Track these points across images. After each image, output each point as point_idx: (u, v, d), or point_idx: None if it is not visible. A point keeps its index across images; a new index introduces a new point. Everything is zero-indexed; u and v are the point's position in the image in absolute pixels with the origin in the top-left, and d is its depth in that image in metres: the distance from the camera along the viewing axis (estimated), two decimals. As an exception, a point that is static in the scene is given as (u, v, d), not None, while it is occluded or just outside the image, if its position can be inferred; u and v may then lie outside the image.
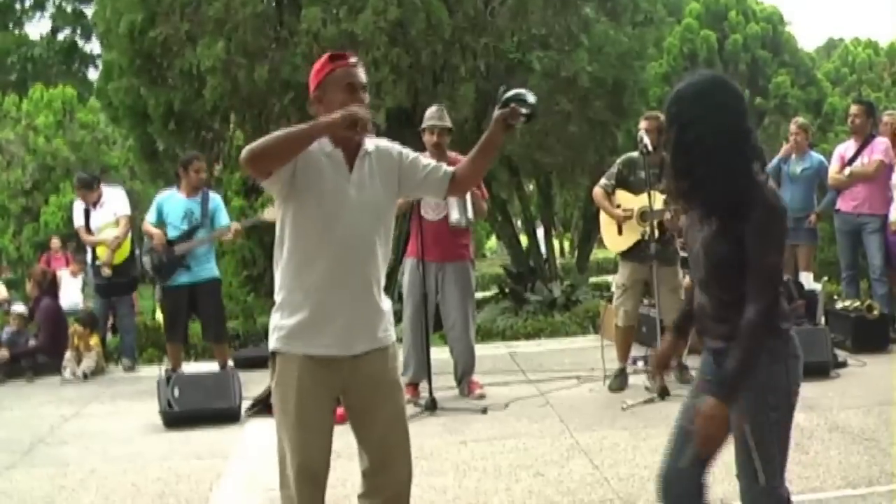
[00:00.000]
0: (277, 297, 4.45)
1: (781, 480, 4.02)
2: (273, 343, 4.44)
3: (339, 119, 4.16)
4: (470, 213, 9.04)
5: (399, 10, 13.78)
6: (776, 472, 4.01)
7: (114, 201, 12.01)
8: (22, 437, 8.57)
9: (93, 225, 11.97)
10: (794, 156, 11.99)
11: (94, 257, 12.15)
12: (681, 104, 3.88)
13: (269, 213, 10.67)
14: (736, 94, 3.87)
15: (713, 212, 3.87)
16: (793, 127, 12.17)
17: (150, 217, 10.59)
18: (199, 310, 10.72)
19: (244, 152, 4.20)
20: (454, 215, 8.97)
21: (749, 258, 3.73)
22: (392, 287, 14.38)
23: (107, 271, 11.92)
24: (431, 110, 9.37)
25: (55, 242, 19.26)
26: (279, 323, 4.43)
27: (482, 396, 9.17)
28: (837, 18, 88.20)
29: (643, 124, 9.14)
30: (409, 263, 9.26)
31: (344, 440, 7.97)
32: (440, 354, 9.59)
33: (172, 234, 10.35)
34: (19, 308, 12.83)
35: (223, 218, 10.63)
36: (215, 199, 10.67)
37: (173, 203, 10.47)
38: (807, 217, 11.88)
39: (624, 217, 9.18)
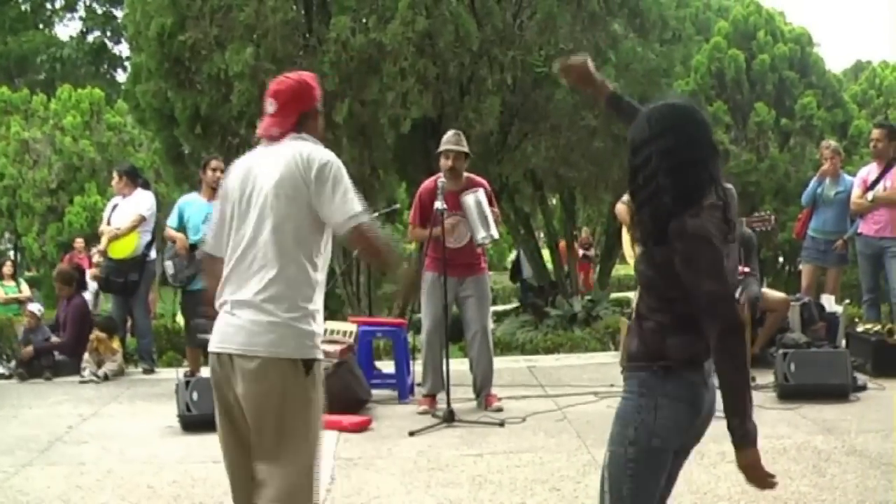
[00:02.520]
0: (311, 305, 4.50)
1: None
2: (315, 350, 4.51)
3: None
4: (494, 231, 9.05)
5: (427, 22, 13.82)
6: None
7: (140, 201, 11.97)
8: (39, 436, 8.59)
9: (115, 221, 11.93)
10: (828, 179, 11.95)
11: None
12: (637, 128, 3.76)
13: None
14: (694, 121, 3.71)
15: (641, 235, 3.76)
16: (826, 151, 12.12)
17: (171, 221, 10.61)
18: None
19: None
20: (480, 234, 8.98)
21: (688, 291, 3.57)
22: (412, 302, 14.41)
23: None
24: (448, 135, 9.40)
25: (79, 242, 19.31)
26: (317, 329, 4.52)
27: (500, 409, 9.16)
28: (866, 41, 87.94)
29: None
30: (428, 277, 9.27)
31: (360, 448, 7.99)
32: (458, 366, 9.59)
33: (194, 237, 10.31)
34: (34, 307, 12.87)
35: None
36: None
37: (195, 207, 10.48)
38: (836, 241, 11.86)
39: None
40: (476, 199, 9.02)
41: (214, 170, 10.42)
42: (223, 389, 4.54)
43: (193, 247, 10.28)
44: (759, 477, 3.61)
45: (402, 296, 4.42)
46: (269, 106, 4.69)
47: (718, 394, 3.59)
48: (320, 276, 4.54)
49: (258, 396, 4.43)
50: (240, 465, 4.60)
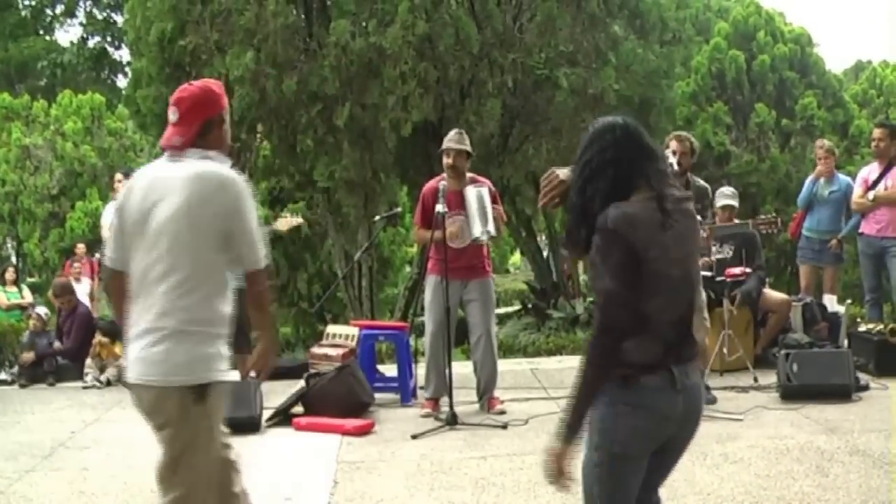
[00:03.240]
0: (222, 330, 4.50)
1: None
2: (221, 373, 4.52)
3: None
4: (491, 227, 9.03)
5: (427, 25, 13.83)
6: None
7: None
8: (43, 441, 8.61)
9: None
10: (822, 179, 11.96)
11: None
12: (580, 146, 3.98)
13: (282, 224, 10.68)
14: (612, 129, 3.91)
15: (575, 242, 3.90)
16: (820, 151, 12.14)
17: None
18: None
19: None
20: (476, 230, 8.97)
21: (593, 283, 3.77)
22: (414, 303, 14.40)
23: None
24: (451, 134, 9.38)
25: (80, 248, 19.29)
26: (225, 352, 4.53)
27: (502, 412, 9.17)
28: (866, 41, 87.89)
29: (674, 145, 9.11)
30: (431, 280, 9.26)
31: (363, 451, 7.99)
32: (460, 369, 9.59)
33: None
34: (41, 310, 12.88)
35: None
36: None
37: None
38: (831, 240, 11.89)
39: None
40: (479, 193, 9.02)
41: None
42: None
43: None
44: (552, 469, 3.75)
45: (257, 364, 4.32)
46: (172, 115, 4.57)
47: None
48: (223, 301, 4.51)
49: (156, 426, 4.50)
50: None
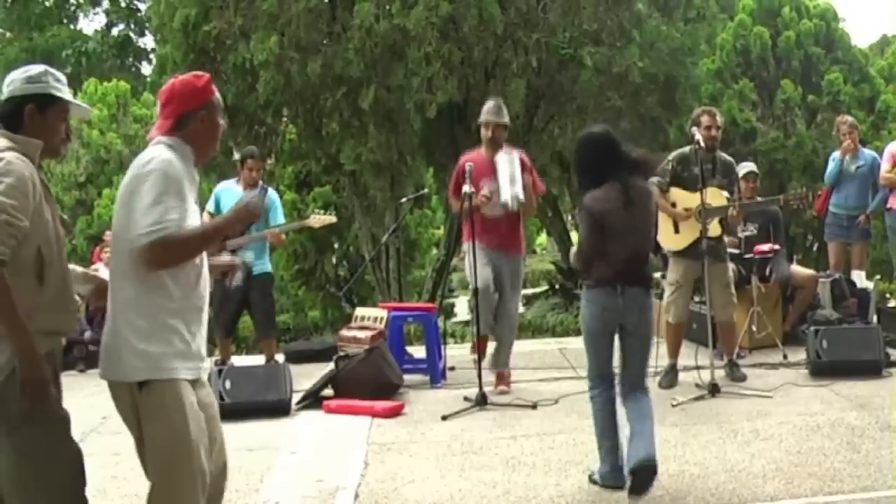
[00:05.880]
0: (155, 323, 4.39)
1: None
2: (160, 372, 4.47)
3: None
4: (520, 191, 9.00)
5: (451, 6, 13.81)
6: None
7: None
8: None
9: None
10: (847, 155, 11.90)
11: None
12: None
13: (314, 221, 10.67)
14: (588, 141, 6.56)
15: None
16: (844, 127, 12.05)
17: (209, 206, 10.62)
18: (251, 305, 10.67)
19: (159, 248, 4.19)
20: (505, 193, 8.97)
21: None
22: (442, 285, 14.39)
23: None
24: (489, 105, 9.36)
25: (108, 235, 19.36)
26: (166, 349, 4.45)
27: (504, 392, 9.17)
28: (891, 15, 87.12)
29: (706, 119, 9.09)
30: (467, 247, 9.22)
31: (393, 433, 8.01)
32: (489, 349, 9.59)
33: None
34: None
35: (279, 216, 10.62)
36: (272, 196, 10.57)
37: (230, 195, 10.46)
38: (859, 216, 11.83)
39: (685, 217, 9.11)
40: (510, 158, 9.04)
41: (251, 169, 10.44)
42: None
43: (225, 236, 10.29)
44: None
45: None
46: (157, 108, 4.58)
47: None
48: (158, 292, 4.34)
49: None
50: None
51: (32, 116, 4.28)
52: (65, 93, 4.40)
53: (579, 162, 6.57)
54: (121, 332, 4.34)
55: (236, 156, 11.45)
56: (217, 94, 4.61)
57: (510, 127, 9.60)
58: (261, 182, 10.43)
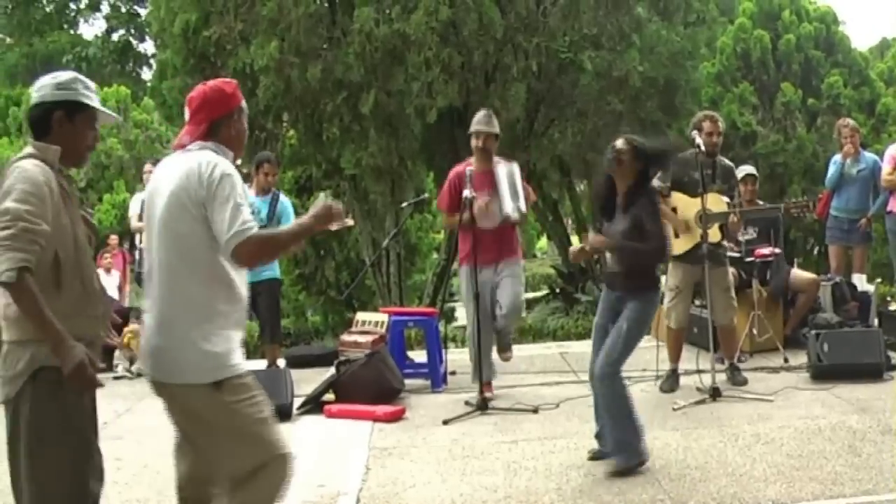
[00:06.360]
0: (208, 325, 4.47)
1: None
2: (218, 371, 4.53)
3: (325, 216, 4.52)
4: (522, 204, 9.04)
5: (451, 11, 13.80)
6: None
7: None
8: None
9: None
10: (848, 158, 11.91)
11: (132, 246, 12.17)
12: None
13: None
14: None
15: None
16: (845, 130, 12.07)
17: None
18: (257, 309, 10.64)
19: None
20: (507, 207, 8.97)
21: None
22: (443, 290, 14.38)
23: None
24: (479, 115, 9.36)
25: (113, 239, 19.33)
26: (220, 349, 4.53)
27: (488, 399, 9.02)
28: (891, 18, 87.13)
29: (708, 125, 9.12)
30: (464, 272, 9.25)
31: (395, 437, 8.01)
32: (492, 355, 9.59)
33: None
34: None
35: (290, 222, 10.59)
36: (284, 202, 10.50)
37: None
38: (860, 219, 11.84)
39: (685, 229, 9.10)
40: (510, 170, 9.05)
41: (267, 174, 10.42)
42: None
43: None
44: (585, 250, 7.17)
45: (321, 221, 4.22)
46: (186, 113, 4.66)
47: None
48: (220, 296, 4.45)
49: (179, 421, 4.73)
50: None
51: (61, 123, 4.33)
52: (94, 101, 4.45)
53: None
54: (182, 334, 4.39)
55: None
56: (243, 100, 4.71)
57: (511, 132, 9.62)
58: (273, 189, 10.45)
